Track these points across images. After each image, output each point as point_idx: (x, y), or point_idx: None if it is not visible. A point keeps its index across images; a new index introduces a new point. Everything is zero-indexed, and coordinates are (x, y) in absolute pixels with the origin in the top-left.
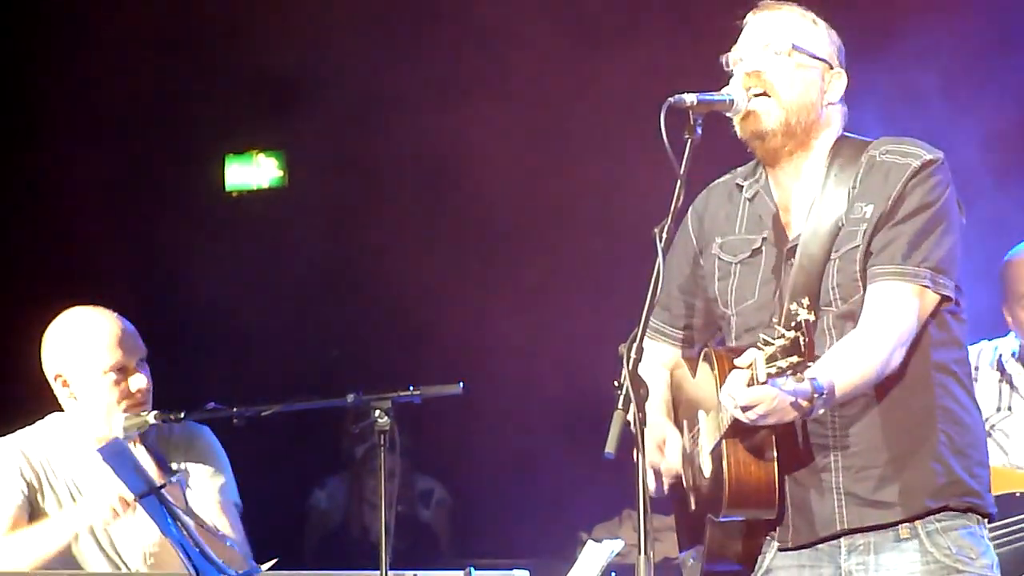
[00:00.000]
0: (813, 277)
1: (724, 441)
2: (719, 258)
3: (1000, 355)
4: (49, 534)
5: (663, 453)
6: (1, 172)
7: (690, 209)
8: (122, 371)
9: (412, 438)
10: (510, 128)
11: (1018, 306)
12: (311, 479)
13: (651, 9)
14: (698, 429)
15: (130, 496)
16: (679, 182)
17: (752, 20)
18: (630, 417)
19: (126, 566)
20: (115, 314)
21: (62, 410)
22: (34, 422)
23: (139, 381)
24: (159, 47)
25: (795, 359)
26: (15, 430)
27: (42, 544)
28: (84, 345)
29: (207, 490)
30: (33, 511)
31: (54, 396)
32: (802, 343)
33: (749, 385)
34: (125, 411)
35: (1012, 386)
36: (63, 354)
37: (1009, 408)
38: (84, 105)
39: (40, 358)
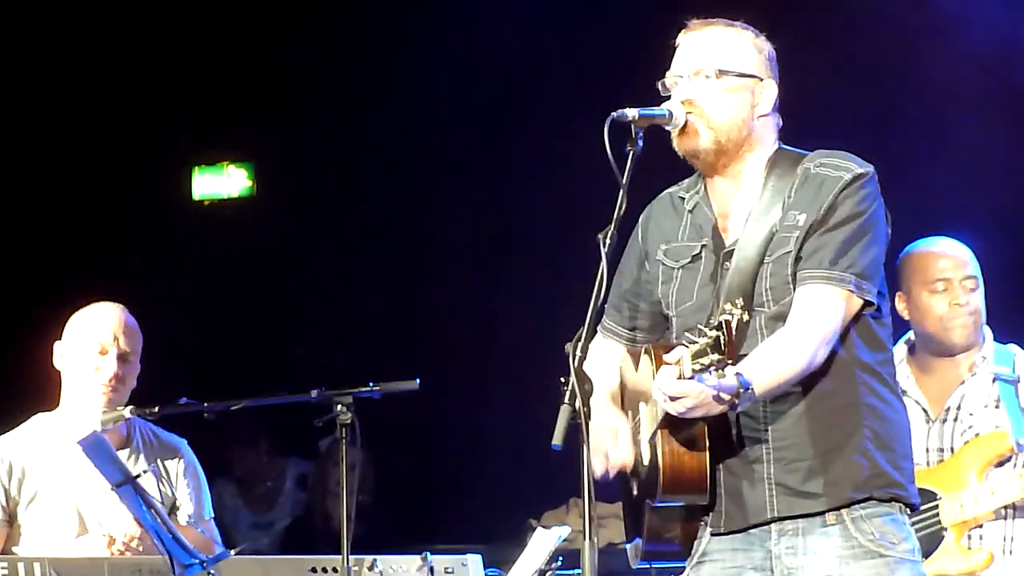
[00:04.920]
0: (747, 279)
1: (659, 431)
2: (663, 264)
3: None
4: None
5: (616, 440)
6: None
7: (640, 218)
8: (102, 353)
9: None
10: (485, 133)
11: (926, 290)
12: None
13: None
14: (639, 419)
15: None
16: (621, 191)
17: (683, 42)
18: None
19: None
20: (123, 309)
21: (51, 410)
22: (20, 423)
23: (109, 366)
24: (132, 55)
25: (716, 357)
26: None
27: None
28: (81, 322)
29: (189, 505)
30: (11, 518)
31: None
32: (722, 342)
33: (677, 379)
34: (93, 389)
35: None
36: (67, 330)
37: None
38: (56, 112)
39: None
